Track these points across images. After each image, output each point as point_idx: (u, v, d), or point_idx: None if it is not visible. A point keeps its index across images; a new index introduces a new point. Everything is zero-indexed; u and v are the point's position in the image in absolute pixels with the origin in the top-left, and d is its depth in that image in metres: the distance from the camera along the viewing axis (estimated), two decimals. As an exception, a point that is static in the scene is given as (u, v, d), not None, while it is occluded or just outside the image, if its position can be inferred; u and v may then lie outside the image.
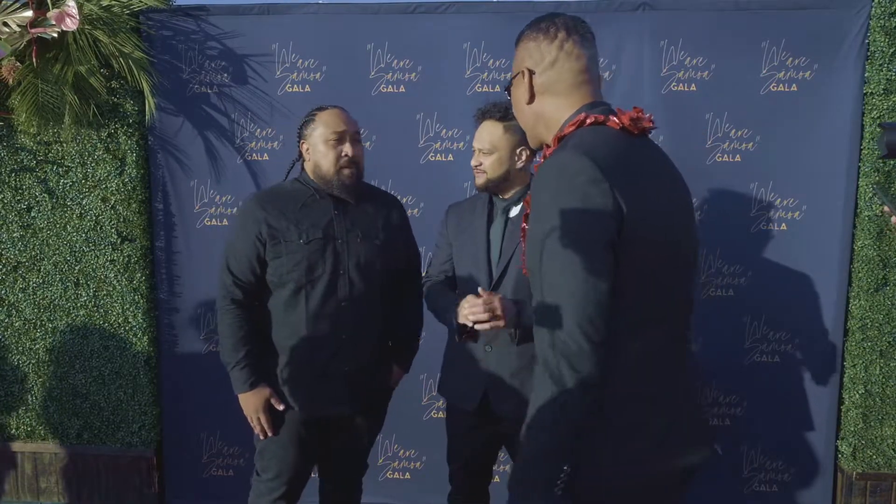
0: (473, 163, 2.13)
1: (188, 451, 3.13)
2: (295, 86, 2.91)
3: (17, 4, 2.75)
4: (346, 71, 2.88)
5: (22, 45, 2.76)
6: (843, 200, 2.79)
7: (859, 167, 2.76)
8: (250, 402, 2.11)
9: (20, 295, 3.03)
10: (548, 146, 1.40)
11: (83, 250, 2.98)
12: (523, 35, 1.41)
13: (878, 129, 2.60)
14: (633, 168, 1.26)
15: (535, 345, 1.22)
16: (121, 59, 2.78)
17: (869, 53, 2.70)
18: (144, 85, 2.82)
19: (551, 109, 1.37)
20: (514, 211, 2.12)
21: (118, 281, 2.98)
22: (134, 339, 3.01)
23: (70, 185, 2.95)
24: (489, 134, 2.09)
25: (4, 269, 3.02)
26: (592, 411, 1.19)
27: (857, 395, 2.84)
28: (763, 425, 2.94)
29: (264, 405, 2.12)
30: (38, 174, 2.96)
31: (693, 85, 2.79)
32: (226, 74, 2.91)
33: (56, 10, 2.68)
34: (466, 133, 2.83)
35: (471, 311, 1.90)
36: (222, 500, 3.13)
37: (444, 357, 2.31)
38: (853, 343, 2.83)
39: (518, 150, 2.09)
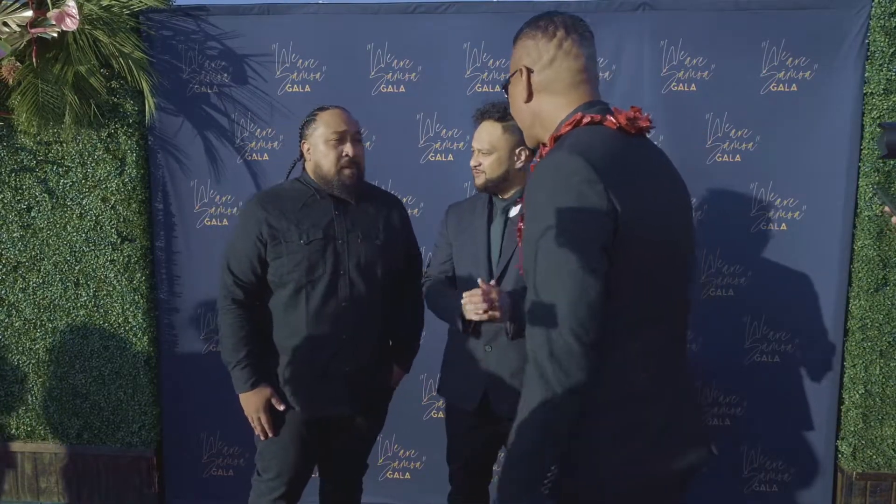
0: (473, 163, 2.13)
1: (188, 451, 3.13)
2: (295, 86, 2.91)
3: (17, 4, 2.75)
4: (346, 71, 2.88)
5: (22, 45, 2.76)
6: (843, 200, 2.79)
7: (859, 167, 2.76)
8: (251, 402, 2.12)
9: (20, 295, 3.03)
10: (544, 145, 1.39)
11: (83, 250, 2.98)
12: (522, 33, 1.40)
13: (878, 129, 2.60)
14: (630, 168, 1.26)
15: (527, 344, 1.22)
16: (121, 59, 2.79)
17: (869, 53, 2.70)
18: (144, 85, 2.82)
19: (549, 108, 1.37)
20: (514, 211, 2.12)
21: (118, 281, 2.98)
22: (134, 339, 3.01)
23: (70, 185, 2.95)
24: (488, 134, 2.09)
25: (4, 269, 3.02)
26: (580, 412, 1.18)
27: (857, 395, 2.84)
28: (763, 425, 2.93)
29: (265, 405, 2.12)
30: (38, 174, 2.96)
31: (693, 85, 2.79)
32: (226, 74, 2.91)
33: (56, 10, 2.68)
34: (466, 133, 2.83)
35: (470, 300, 1.90)
36: (222, 500, 3.13)
37: (443, 357, 2.31)
38: (853, 343, 2.83)
39: (517, 151, 2.09)
